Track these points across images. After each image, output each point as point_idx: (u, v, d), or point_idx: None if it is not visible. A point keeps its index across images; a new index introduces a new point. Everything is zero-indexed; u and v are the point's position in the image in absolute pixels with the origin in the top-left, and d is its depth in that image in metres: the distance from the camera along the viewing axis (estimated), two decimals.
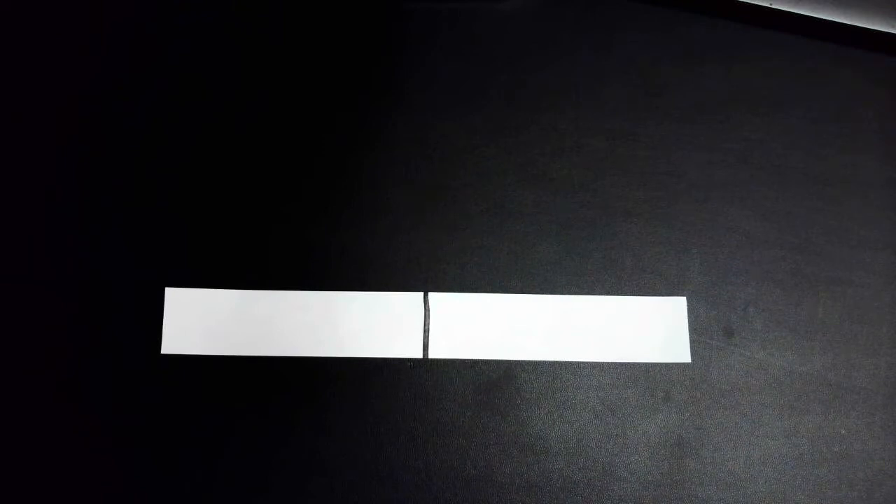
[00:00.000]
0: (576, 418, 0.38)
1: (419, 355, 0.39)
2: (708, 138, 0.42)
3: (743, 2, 0.43)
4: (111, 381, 0.38)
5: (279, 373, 0.38)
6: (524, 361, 0.39)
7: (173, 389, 0.38)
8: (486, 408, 0.38)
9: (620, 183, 0.41)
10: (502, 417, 0.38)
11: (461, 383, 0.38)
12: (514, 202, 0.41)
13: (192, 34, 0.43)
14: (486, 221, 0.40)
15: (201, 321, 0.39)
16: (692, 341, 0.39)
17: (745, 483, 0.37)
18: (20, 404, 0.38)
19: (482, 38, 0.43)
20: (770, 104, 0.42)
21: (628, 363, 0.39)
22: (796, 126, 0.42)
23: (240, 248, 0.40)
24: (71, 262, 0.39)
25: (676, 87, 0.43)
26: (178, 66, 0.42)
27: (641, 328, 0.39)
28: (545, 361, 0.39)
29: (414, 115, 0.42)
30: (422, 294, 0.39)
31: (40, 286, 0.39)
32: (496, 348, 0.39)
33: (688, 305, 0.40)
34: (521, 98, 0.42)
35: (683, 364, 0.39)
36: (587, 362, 0.39)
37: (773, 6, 0.42)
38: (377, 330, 0.39)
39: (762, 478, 0.38)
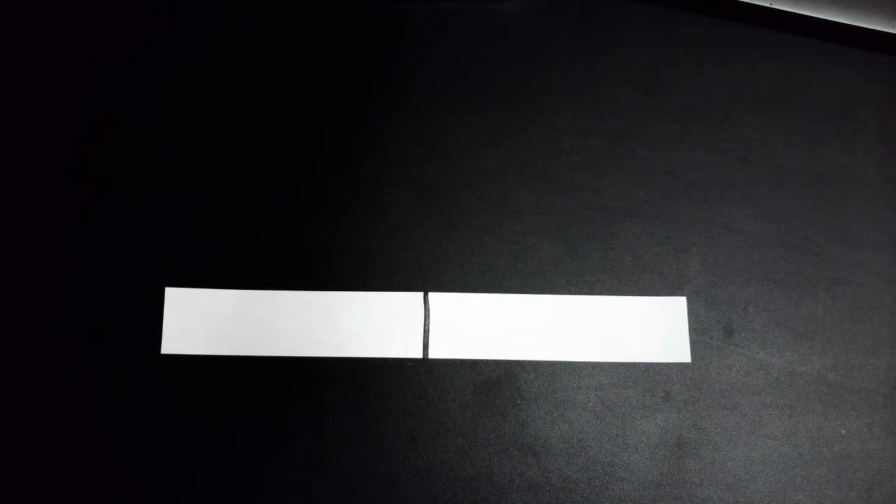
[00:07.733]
0: (576, 418, 0.38)
1: (419, 355, 0.39)
2: (708, 138, 0.42)
3: (743, 2, 0.43)
4: (111, 381, 0.38)
5: (279, 373, 0.38)
6: (524, 361, 0.39)
7: (173, 389, 0.38)
8: (486, 408, 0.38)
9: (620, 183, 0.41)
10: (502, 417, 0.38)
11: (461, 383, 0.38)
12: (514, 202, 0.41)
13: (192, 34, 0.43)
14: (486, 221, 0.40)
15: (201, 321, 0.39)
16: (692, 341, 0.39)
17: (745, 483, 0.37)
18: (20, 404, 0.38)
19: (482, 38, 0.43)
20: (770, 104, 0.42)
21: (628, 363, 0.39)
22: (796, 126, 0.42)
23: (240, 248, 0.40)
24: (71, 261, 0.39)
25: (676, 87, 0.43)
26: (178, 66, 0.42)
27: (641, 328, 0.39)
28: (545, 361, 0.39)
29: (414, 115, 0.42)
30: (422, 294, 0.39)
31: (40, 286, 0.39)
32: (496, 348, 0.39)
33: (688, 305, 0.40)
34: (521, 98, 0.42)
35: (683, 364, 0.39)
36: (587, 362, 0.39)
37: (773, 6, 0.42)
38: (377, 330, 0.39)
39: (762, 478, 0.38)
